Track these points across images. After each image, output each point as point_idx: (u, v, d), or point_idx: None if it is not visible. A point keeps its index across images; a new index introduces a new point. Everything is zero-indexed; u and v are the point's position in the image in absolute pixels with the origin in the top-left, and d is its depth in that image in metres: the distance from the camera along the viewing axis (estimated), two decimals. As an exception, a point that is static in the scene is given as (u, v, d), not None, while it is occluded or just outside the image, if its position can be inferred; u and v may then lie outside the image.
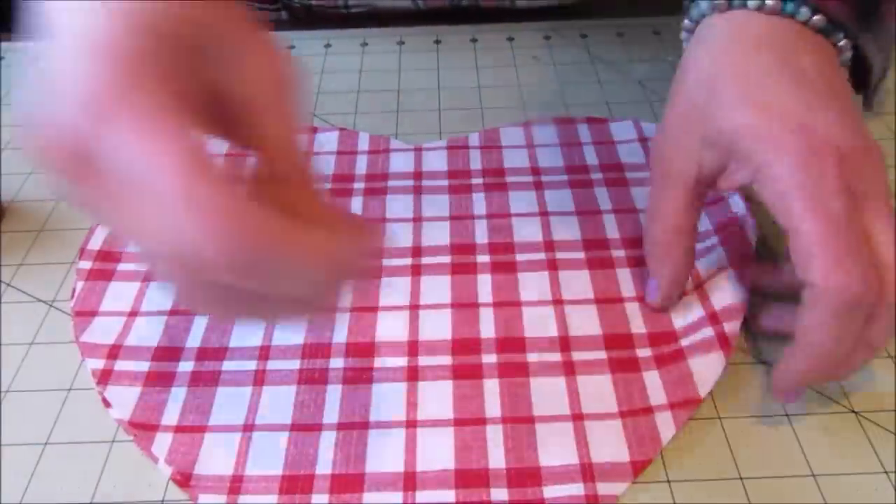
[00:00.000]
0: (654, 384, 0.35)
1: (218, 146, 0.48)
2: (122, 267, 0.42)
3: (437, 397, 0.35)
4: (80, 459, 0.34)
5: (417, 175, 0.47)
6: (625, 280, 0.40)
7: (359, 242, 0.27)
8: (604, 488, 0.32)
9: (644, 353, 0.36)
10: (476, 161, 0.47)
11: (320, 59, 0.58)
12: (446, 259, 0.41)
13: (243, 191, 0.24)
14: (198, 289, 0.25)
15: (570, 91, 0.54)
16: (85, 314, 0.39)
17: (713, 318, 0.37)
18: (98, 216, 0.25)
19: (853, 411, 0.35)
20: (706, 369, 0.35)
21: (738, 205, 0.43)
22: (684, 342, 0.37)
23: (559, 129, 0.50)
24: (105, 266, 0.42)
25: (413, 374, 0.36)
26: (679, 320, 0.38)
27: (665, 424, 0.34)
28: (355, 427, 0.34)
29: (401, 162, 0.48)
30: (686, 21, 0.38)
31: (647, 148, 0.48)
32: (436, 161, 0.48)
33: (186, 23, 0.25)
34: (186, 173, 0.22)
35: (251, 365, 0.37)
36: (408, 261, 0.41)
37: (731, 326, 0.37)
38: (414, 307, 0.39)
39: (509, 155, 0.48)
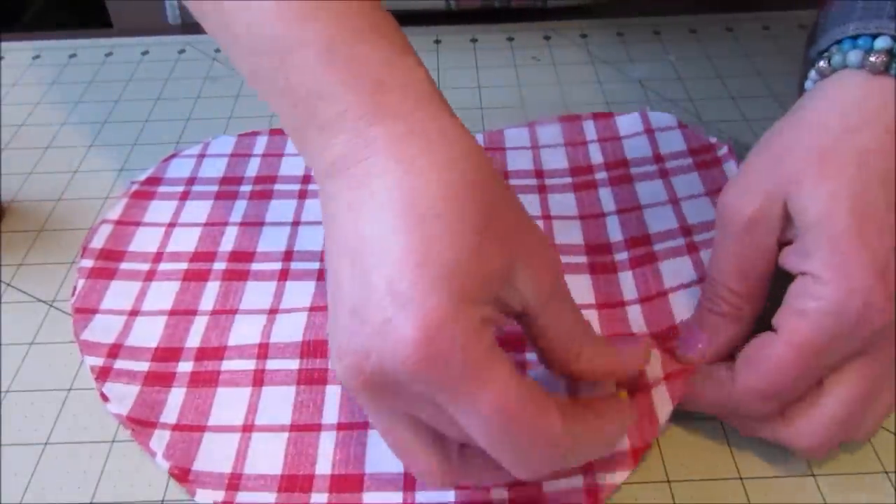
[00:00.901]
0: (654, 370, 0.34)
1: (222, 146, 0.49)
2: (123, 266, 0.41)
3: None
4: (80, 459, 0.34)
5: None
6: (626, 284, 0.40)
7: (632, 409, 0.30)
8: (604, 478, 0.32)
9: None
10: (477, 162, 0.47)
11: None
12: None
13: (554, 406, 0.26)
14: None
15: (570, 91, 0.54)
16: (85, 312, 0.39)
17: None
18: (383, 419, 0.28)
19: (853, 411, 0.35)
20: None
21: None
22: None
23: (564, 127, 0.50)
24: (106, 265, 0.42)
25: None
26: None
27: (662, 400, 0.33)
28: (355, 427, 0.34)
29: None
30: (821, 62, 0.33)
31: (653, 139, 0.48)
32: None
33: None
34: (518, 416, 0.25)
35: (250, 365, 0.37)
36: None
37: None
38: None
39: (513, 157, 0.48)
